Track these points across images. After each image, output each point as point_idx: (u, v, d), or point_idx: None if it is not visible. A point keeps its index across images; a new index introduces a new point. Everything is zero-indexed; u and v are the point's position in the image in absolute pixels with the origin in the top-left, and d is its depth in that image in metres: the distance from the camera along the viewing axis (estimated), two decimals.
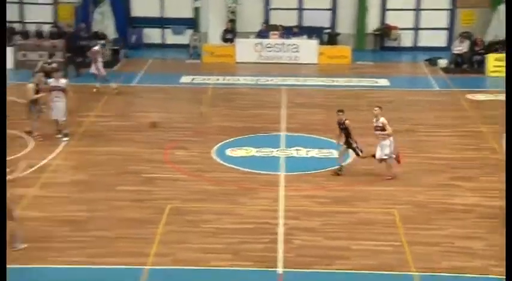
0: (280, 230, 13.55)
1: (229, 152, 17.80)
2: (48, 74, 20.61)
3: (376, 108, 15.88)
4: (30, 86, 18.20)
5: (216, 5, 28.95)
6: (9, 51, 25.59)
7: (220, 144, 18.34)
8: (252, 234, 13.36)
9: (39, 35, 26.86)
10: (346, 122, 15.99)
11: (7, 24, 26.96)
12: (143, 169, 16.58)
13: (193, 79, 25.32)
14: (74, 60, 25.03)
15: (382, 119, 15.76)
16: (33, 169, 16.13)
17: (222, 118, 20.78)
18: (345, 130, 16.02)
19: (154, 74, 26.07)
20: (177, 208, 14.52)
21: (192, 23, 29.53)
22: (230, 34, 28.46)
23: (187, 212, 14.34)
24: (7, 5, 27.95)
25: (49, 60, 21.83)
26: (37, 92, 18.12)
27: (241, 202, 14.85)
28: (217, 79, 25.23)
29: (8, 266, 11.92)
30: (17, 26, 27.74)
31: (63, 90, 18.22)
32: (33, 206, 14.38)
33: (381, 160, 15.92)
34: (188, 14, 29.68)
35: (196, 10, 29.33)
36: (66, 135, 18.30)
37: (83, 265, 12.13)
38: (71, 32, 26.07)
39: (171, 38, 30.11)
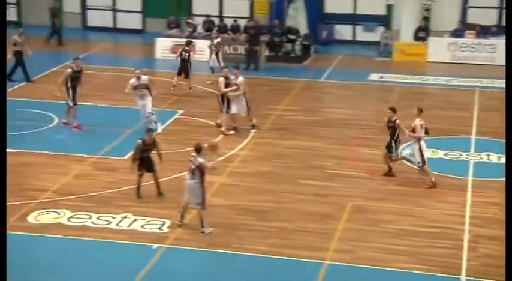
0: (465, 236, 13.05)
1: None
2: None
3: (415, 109, 15.83)
4: (221, 79, 18.87)
5: (411, 2, 28.32)
6: (207, 44, 26.81)
7: (405, 144, 17.97)
8: (435, 238, 12.99)
9: (235, 29, 27.85)
10: (397, 121, 15.60)
11: (207, 18, 28.31)
12: (327, 164, 16.69)
13: (381, 77, 25.03)
14: (254, 54, 25.35)
15: (416, 121, 15.45)
16: (221, 158, 16.86)
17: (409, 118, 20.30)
18: (392, 129, 15.68)
19: (343, 70, 26.09)
20: (358, 206, 14.47)
21: (384, 20, 29.16)
22: (423, 32, 27.73)
23: (369, 211, 14.24)
24: None
25: (187, 48, 22.23)
26: (227, 86, 18.68)
27: (424, 204, 14.49)
28: (406, 78, 24.74)
29: (216, 250, 12.52)
30: (216, 20, 28.91)
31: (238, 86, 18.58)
32: (220, 194, 14.99)
33: (396, 160, 15.77)
34: (381, 11, 29.33)
35: (389, 7, 28.92)
36: (253, 127, 18.83)
37: (264, 254, 12.46)
38: (254, 26, 26.49)
39: (361, 34, 29.95)
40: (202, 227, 13.14)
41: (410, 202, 14.58)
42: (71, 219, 13.70)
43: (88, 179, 15.62)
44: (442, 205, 14.46)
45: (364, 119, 20.28)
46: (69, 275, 11.82)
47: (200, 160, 12.91)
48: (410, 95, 22.98)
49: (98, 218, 13.76)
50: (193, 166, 12.98)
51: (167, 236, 13.09)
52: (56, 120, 19.07)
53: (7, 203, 14.16)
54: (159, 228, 13.40)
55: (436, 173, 15.97)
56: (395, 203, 14.52)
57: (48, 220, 13.62)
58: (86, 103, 20.11)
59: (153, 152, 14.63)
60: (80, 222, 13.59)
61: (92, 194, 14.83)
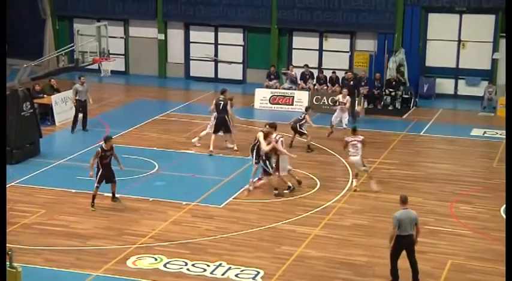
0: None
1: None
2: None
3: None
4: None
5: None
6: (306, 95, 26.97)
7: None
8: None
9: (333, 81, 27.86)
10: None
11: (308, 69, 28.45)
12: (427, 220, 16.23)
13: (484, 132, 24.32)
14: (351, 106, 24.97)
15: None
16: (317, 209, 16.74)
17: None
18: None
19: (444, 124, 25.53)
20: (458, 265, 13.95)
21: (488, 75, 28.49)
22: None
23: (470, 271, 13.71)
24: (309, 52, 29.83)
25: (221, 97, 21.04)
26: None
27: None
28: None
29: None
30: (315, 72, 29.01)
31: (362, 142, 18.17)
32: (315, 245, 14.82)
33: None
34: (485, 65, 28.68)
35: (494, 62, 28.25)
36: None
37: None
38: (352, 78, 26.23)
39: (464, 89, 29.30)
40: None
41: None
42: (168, 265, 13.85)
43: (185, 226, 15.81)
44: None
45: (466, 175, 19.67)
46: None
47: None
48: None
49: (193, 265, 13.85)
50: None
51: None
52: (157, 167, 19.51)
53: (108, 247, 14.57)
54: (253, 278, 13.34)
55: None
56: (499, 264, 13.88)
57: (146, 265, 13.83)
58: (187, 151, 20.53)
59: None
60: (176, 269, 13.72)
61: (188, 241, 14.98)
